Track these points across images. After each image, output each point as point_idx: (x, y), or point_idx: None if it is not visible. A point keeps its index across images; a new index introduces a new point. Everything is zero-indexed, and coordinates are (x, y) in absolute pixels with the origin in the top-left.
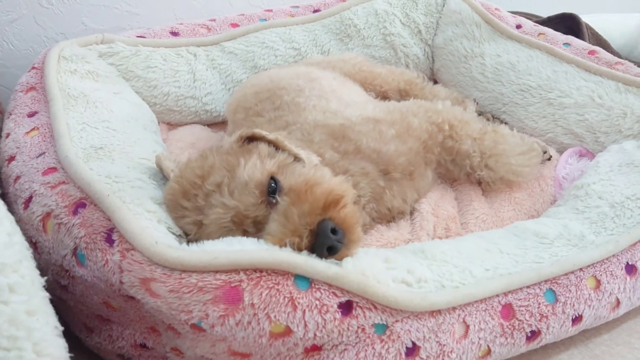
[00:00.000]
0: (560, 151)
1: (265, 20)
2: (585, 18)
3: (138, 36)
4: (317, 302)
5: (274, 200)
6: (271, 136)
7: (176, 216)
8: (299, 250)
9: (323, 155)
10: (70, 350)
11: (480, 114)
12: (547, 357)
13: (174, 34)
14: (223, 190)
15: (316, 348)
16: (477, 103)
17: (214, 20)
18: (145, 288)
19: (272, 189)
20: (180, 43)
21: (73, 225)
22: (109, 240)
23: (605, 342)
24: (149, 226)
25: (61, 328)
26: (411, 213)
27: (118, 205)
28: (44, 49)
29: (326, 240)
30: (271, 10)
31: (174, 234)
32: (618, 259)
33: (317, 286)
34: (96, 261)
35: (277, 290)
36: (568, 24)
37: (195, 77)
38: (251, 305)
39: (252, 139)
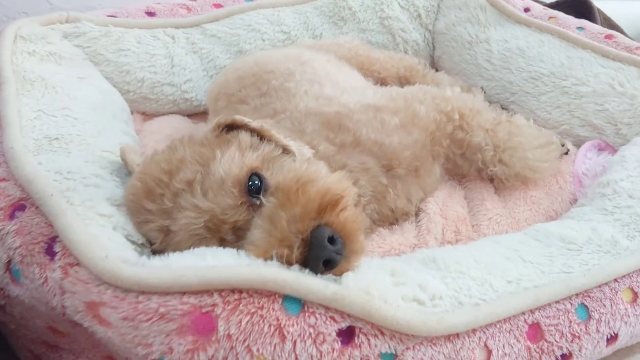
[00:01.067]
0: (577, 144)
1: (251, 0)
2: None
3: (109, 15)
4: (312, 330)
5: (258, 202)
6: (255, 124)
7: (138, 221)
8: (289, 264)
9: (316, 148)
10: None
11: (489, 104)
12: None
13: (150, 14)
14: (195, 189)
15: None
16: (484, 92)
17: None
18: (93, 314)
19: (255, 187)
20: (157, 24)
21: (8, 232)
22: (50, 252)
23: None
24: (101, 234)
25: None
26: (416, 214)
27: (63, 208)
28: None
29: (322, 251)
30: None
31: (134, 242)
32: None
33: (311, 310)
34: (33, 279)
35: (261, 316)
36: (578, 8)
37: (174, 62)
38: (227, 336)
39: (232, 127)
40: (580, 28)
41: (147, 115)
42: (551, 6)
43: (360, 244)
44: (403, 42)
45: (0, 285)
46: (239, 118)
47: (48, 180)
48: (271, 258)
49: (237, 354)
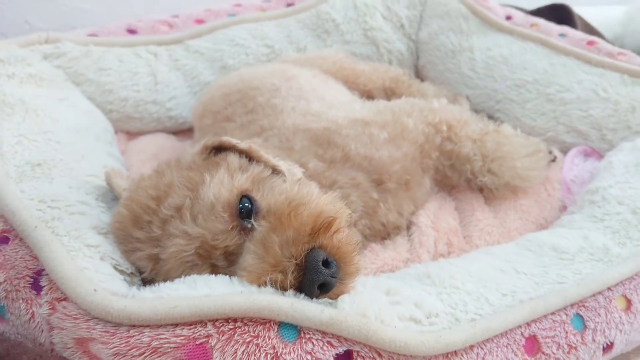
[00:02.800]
0: (563, 151)
1: (233, 15)
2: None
3: (89, 34)
4: (309, 357)
5: (249, 225)
6: (243, 145)
7: (126, 249)
8: (283, 289)
9: (306, 165)
10: None
11: (474, 113)
12: None
13: (131, 31)
14: (184, 215)
15: None
16: (470, 101)
17: (177, 16)
18: (83, 350)
19: (246, 210)
20: (139, 42)
21: None
22: (36, 287)
23: None
24: (88, 267)
25: None
26: (408, 227)
27: (48, 240)
28: None
29: (317, 275)
30: (240, 5)
31: (123, 272)
32: None
33: (307, 336)
34: (19, 315)
35: (257, 345)
36: (559, 15)
37: (157, 80)
38: None
39: (220, 149)
40: (562, 35)
41: (132, 134)
42: (532, 13)
43: (355, 265)
44: (387, 52)
45: None
46: (227, 140)
47: (31, 210)
48: (265, 284)
49: None
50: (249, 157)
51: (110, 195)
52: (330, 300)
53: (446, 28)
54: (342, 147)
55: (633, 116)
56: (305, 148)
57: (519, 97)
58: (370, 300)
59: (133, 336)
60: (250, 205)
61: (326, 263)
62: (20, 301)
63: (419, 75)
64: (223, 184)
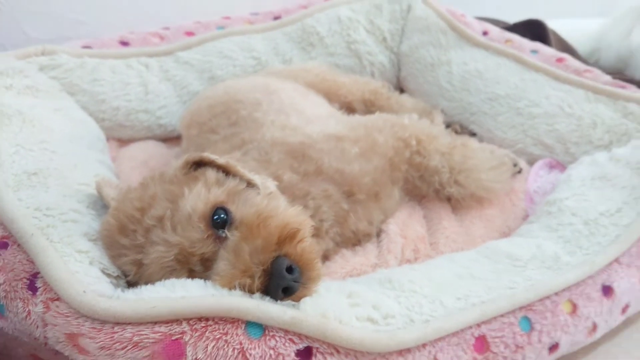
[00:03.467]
0: (531, 162)
1: (222, 28)
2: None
3: (84, 46)
4: (272, 352)
5: (224, 235)
6: (221, 160)
7: (113, 255)
8: (251, 292)
9: (282, 177)
10: None
11: (448, 125)
12: None
13: (124, 43)
14: (165, 224)
15: None
16: (445, 113)
17: (168, 28)
18: (73, 344)
19: (221, 220)
20: (131, 53)
21: None
22: (32, 288)
23: None
24: (79, 271)
25: None
26: (378, 235)
27: (43, 246)
28: None
29: (281, 280)
30: (229, 18)
31: (110, 275)
32: (594, 281)
33: (271, 333)
34: (17, 312)
35: (226, 341)
36: (534, 30)
37: (148, 90)
38: None
39: (200, 163)
40: (534, 51)
41: (123, 142)
42: (509, 28)
43: (317, 272)
44: (369, 64)
45: None
46: (206, 156)
47: (28, 218)
48: (235, 288)
49: None
50: (227, 171)
51: (100, 204)
52: (293, 302)
53: (426, 42)
54: (316, 161)
55: (594, 131)
56: (281, 161)
57: (492, 110)
58: (331, 302)
59: (117, 332)
60: (225, 216)
61: (290, 269)
62: (18, 300)
63: (401, 86)
64: (200, 197)
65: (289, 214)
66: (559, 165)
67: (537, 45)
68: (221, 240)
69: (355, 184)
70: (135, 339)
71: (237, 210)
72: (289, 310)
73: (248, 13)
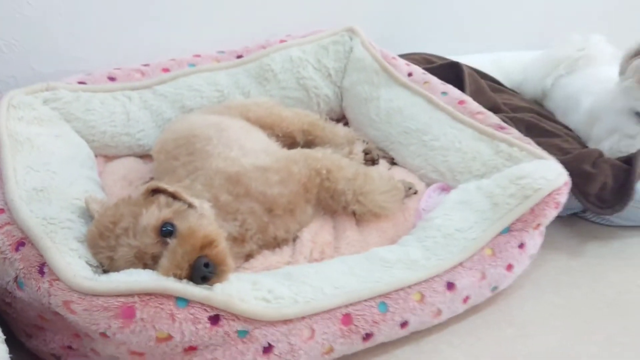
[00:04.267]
0: (430, 185)
1: (194, 65)
2: (486, 56)
3: (79, 82)
4: (192, 316)
5: (168, 240)
6: (171, 189)
7: (94, 252)
8: (180, 279)
9: (219, 198)
10: (14, 351)
11: (367, 152)
12: (385, 352)
13: (112, 79)
14: (129, 233)
15: (193, 348)
16: (368, 143)
17: (148, 65)
18: (67, 307)
19: (167, 231)
20: (116, 88)
21: (15, 259)
22: (41, 272)
23: (432, 341)
24: (71, 262)
25: (3, 337)
26: (294, 240)
27: (48, 246)
28: None
29: (200, 272)
30: (199, 56)
31: (92, 265)
32: (440, 278)
33: (192, 305)
34: (31, 287)
35: (161, 308)
36: (455, 70)
37: (130, 117)
38: (141, 319)
39: (156, 191)
40: (444, 93)
41: (109, 158)
42: (436, 67)
43: (228, 266)
44: (316, 96)
45: (10, 290)
46: (161, 185)
47: (38, 226)
48: (170, 275)
49: (147, 329)
50: (175, 197)
51: (87, 215)
52: (208, 286)
53: (362, 80)
54: (246, 186)
55: (474, 164)
56: (221, 185)
57: (405, 141)
58: (237, 287)
59: (94, 300)
60: (171, 229)
61: (207, 265)
62: (32, 280)
63: (344, 113)
64: (153, 215)
65: (210, 228)
66: (449, 189)
67: (448, 87)
68: (165, 244)
69: (274, 203)
70: (105, 305)
71: (179, 225)
72: (204, 291)
73: (215, 51)
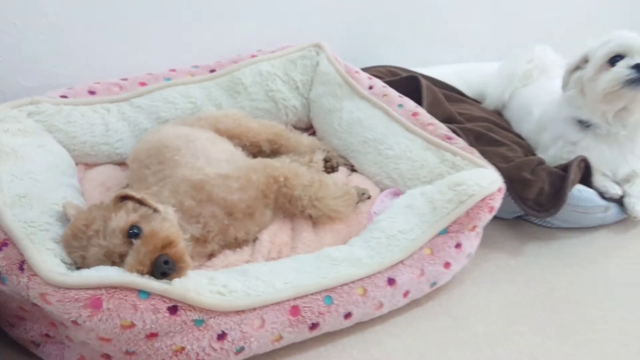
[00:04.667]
0: (383, 190)
1: (169, 79)
2: (450, 67)
3: (61, 96)
4: (152, 307)
5: (134, 241)
6: (138, 195)
7: (68, 251)
8: (143, 275)
9: (184, 203)
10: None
11: (328, 160)
12: (332, 341)
13: (92, 92)
14: (99, 235)
15: (154, 335)
16: (328, 151)
17: (126, 79)
18: (43, 299)
19: (134, 233)
20: (96, 101)
21: None
22: (21, 269)
23: (375, 331)
24: (47, 260)
25: None
26: (254, 241)
27: (28, 246)
28: None
29: (159, 268)
30: (175, 70)
31: (66, 263)
32: (382, 275)
33: (153, 297)
34: (13, 282)
35: (125, 299)
36: (415, 83)
37: (108, 128)
38: (108, 309)
39: (125, 197)
40: (400, 105)
41: (89, 166)
42: (395, 81)
43: (186, 263)
44: (284, 107)
45: None
46: (129, 192)
47: (19, 228)
48: (134, 272)
49: (112, 318)
50: (142, 202)
51: (64, 218)
52: (168, 281)
53: (327, 92)
54: (208, 192)
55: (422, 171)
56: (186, 192)
57: (364, 150)
58: (193, 281)
59: (66, 293)
60: (137, 231)
61: (167, 262)
62: (14, 275)
63: (311, 123)
64: (121, 219)
65: (171, 230)
66: (400, 194)
67: (405, 100)
68: (131, 245)
69: (234, 207)
70: (76, 296)
71: (144, 227)
72: (164, 285)
73: (190, 66)
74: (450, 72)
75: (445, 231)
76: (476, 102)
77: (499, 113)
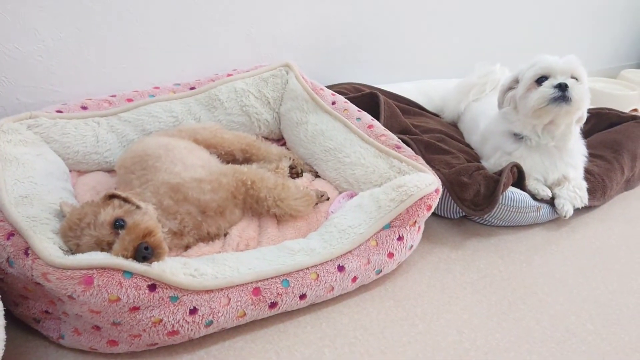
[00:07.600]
0: (341, 193)
1: (153, 96)
2: (413, 84)
3: (57, 111)
4: (135, 284)
5: (119, 232)
6: (123, 195)
7: (65, 240)
8: (127, 258)
9: (163, 202)
10: (5, 317)
11: (293, 167)
12: (290, 319)
13: (84, 108)
14: (91, 227)
15: (136, 308)
16: (294, 159)
17: (115, 96)
18: (44, 277)
19: (119, 225)
20: (88, 115)
21: (7, 245)
22: (26, 254)
23: (328, 311)
24: (47, 247)
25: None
26: (225, 235)
27: (31, 236)
28: None
29: (141, 253)
30: (158, 87)
31: (63, 250)
32: (333, 262)
33: (135, 276)
34: (19, 265)
35: (112, 278)
36: (374, 99)
37: (98, 139)
38: (98, 286)
39: (112, 196)
40: (358, 118)
41: (81, 172)
42: (359, 96)
43: (163, 250)
44: (257, 120)
45: (3, 268)
46: (116, 192)
47: (23, 222)
48: (120, 256)
49: (102, 293)
50: (126, 200)
51: (60, 215)
52: (148, 264)
53: (295, 107)
54: (185, 193)
55: (374, 176)
56: (165, 193)
57: (325, 158)
58: (170, 265)
59: (64, 272)
60: (122, 223)
61: (146, 248)
62: (20, 259)
63: (282, 134)
64: (108, 213)
65: (150, 222)
66: (354, 195)
67: (362, 114)
68: (117, 234)
69: (207, 206)
70: (72, 275)
71: (128, 220)
72: (144, 267)
73: (172, 84)
74: (412, 88)
75: (388, 226)
76: (435, 115)
77: (455, 125)
